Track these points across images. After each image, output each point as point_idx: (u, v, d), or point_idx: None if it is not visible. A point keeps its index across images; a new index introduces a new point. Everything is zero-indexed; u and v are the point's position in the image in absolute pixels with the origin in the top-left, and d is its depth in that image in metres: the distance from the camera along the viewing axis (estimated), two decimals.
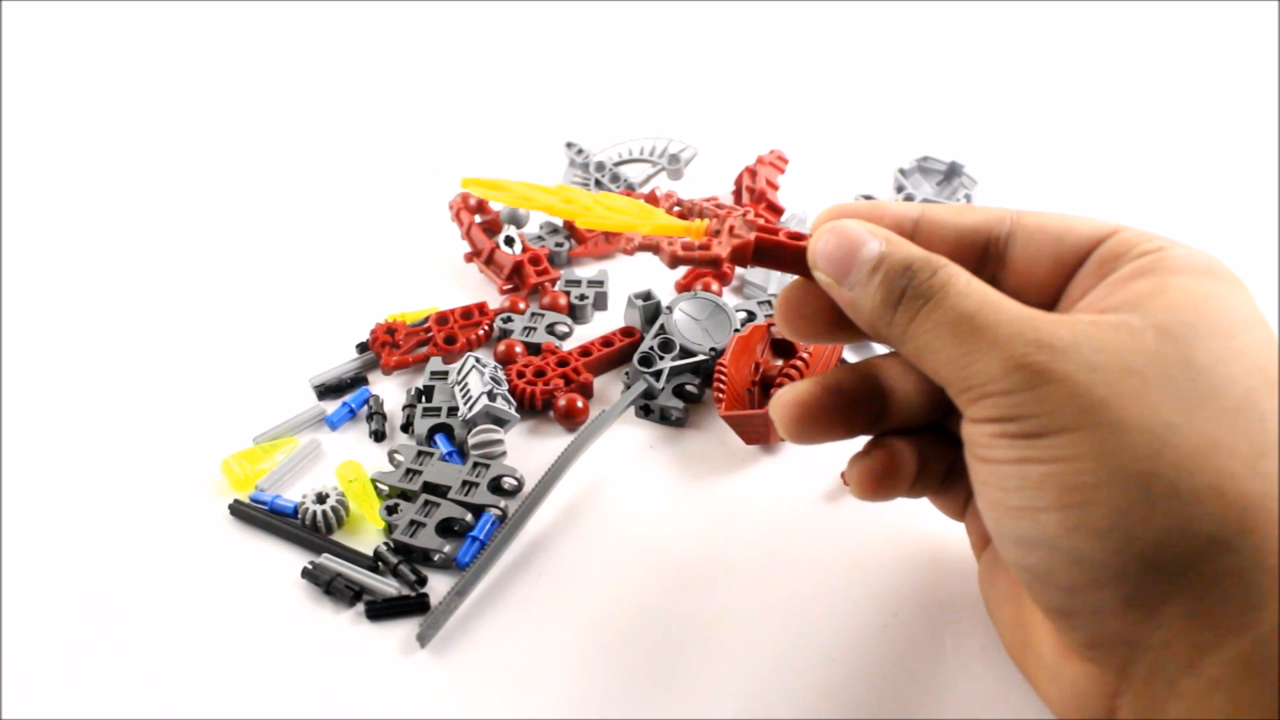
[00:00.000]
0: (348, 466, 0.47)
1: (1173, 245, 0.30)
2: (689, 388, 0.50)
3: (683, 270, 0.58)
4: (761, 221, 0.34)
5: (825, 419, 0.34)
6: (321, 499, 0.45)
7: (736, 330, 0.51)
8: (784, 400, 0.34)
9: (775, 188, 0.63)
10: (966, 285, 0.30)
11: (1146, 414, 0.26)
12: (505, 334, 0.54)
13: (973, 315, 0.29)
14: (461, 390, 0.49)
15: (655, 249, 0.33)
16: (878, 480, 0.35)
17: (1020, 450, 0.28)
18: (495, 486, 0.45)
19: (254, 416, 0.50)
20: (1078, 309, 0.31)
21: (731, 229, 0.33)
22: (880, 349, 0.50)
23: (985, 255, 0.33)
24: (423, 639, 0.40)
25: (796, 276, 0.34)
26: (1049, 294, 0.32)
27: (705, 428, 0.50)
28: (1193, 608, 0.26)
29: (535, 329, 0.54)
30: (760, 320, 0.52)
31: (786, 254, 0.33)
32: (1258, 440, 0.26)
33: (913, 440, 0.35)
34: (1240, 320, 0.28)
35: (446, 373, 0.51)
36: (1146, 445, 0.26)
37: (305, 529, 0.45)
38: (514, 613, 0.41)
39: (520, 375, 0.50)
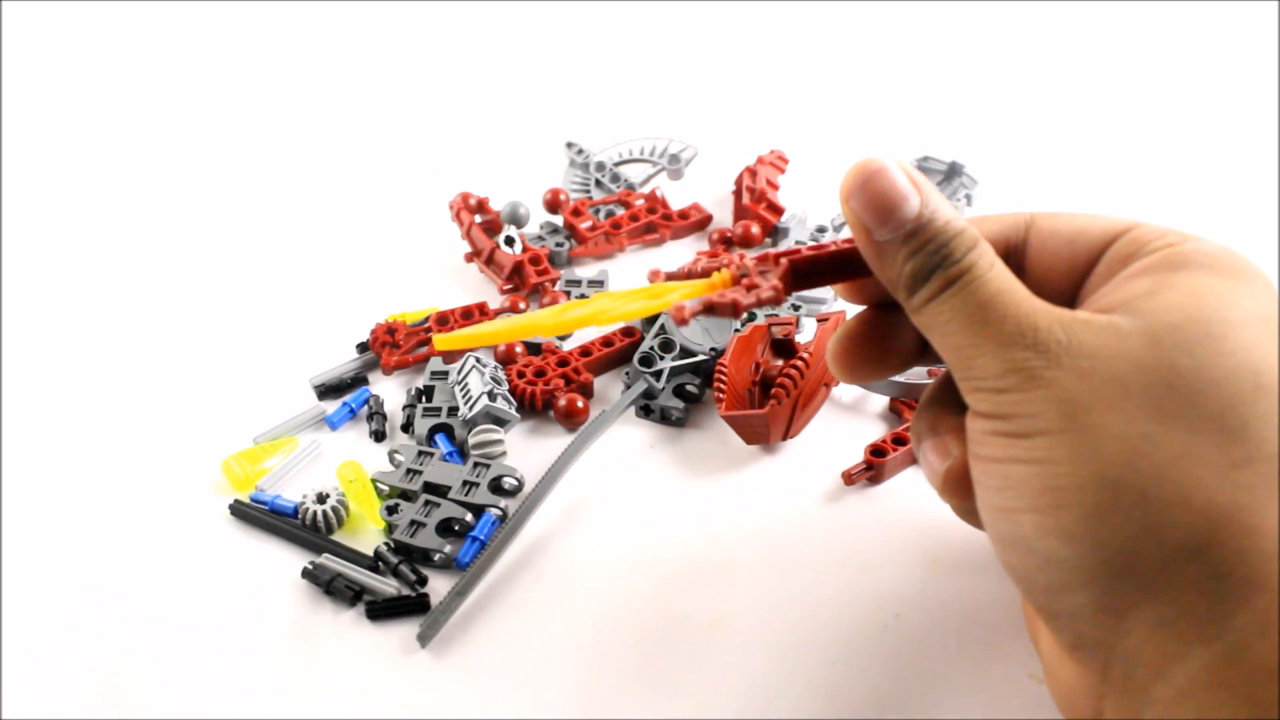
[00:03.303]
0: (348, 466, 0.47)
1: (1184, 240, 0.30)
2: (689, 388, 0.50)
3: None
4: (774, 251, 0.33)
5: (868, 348, 0.34)
6: (322, 499, 0.45)
7: (737, 330, 0.51)
8: (834, 339, 0.35)
9: (775, 188, 0.63)
10: (987, 270, 0.30)
11: (1123, 422, 0.26)
12: None
13: (985, 306, 0.29)
14: (462, 390, 0.49)
15: (710, 306, 0.32)
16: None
17: (1007, 449, 0.28)
18: (495, 486, 0.45)
19: (254, 416, 0.50)
20: (1083, 307, 0.31)
21: (751, 283, 0.32)
22: None
23: (1005, 264, 0.33)
24: (423, 639, 0.40)
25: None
26: (1065, 297, 0.32)
27: (705, 428, 0.50)
28: (1159, 616, 0.26)
29: None
30: (760, 320, 0.52)
31: (826, 265, 0.32)
32: (1234, 450, 0.26)
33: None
34: (1236, 320, 0.27)
35: (447, 373, 0.51)
36: (1120, 453, 0.26)
37: (305, 529, 0.45)
38: (514, 613, 0.41)
39: (520, 375, 0.50)
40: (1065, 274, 0.32)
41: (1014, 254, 0.33)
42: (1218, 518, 0.25)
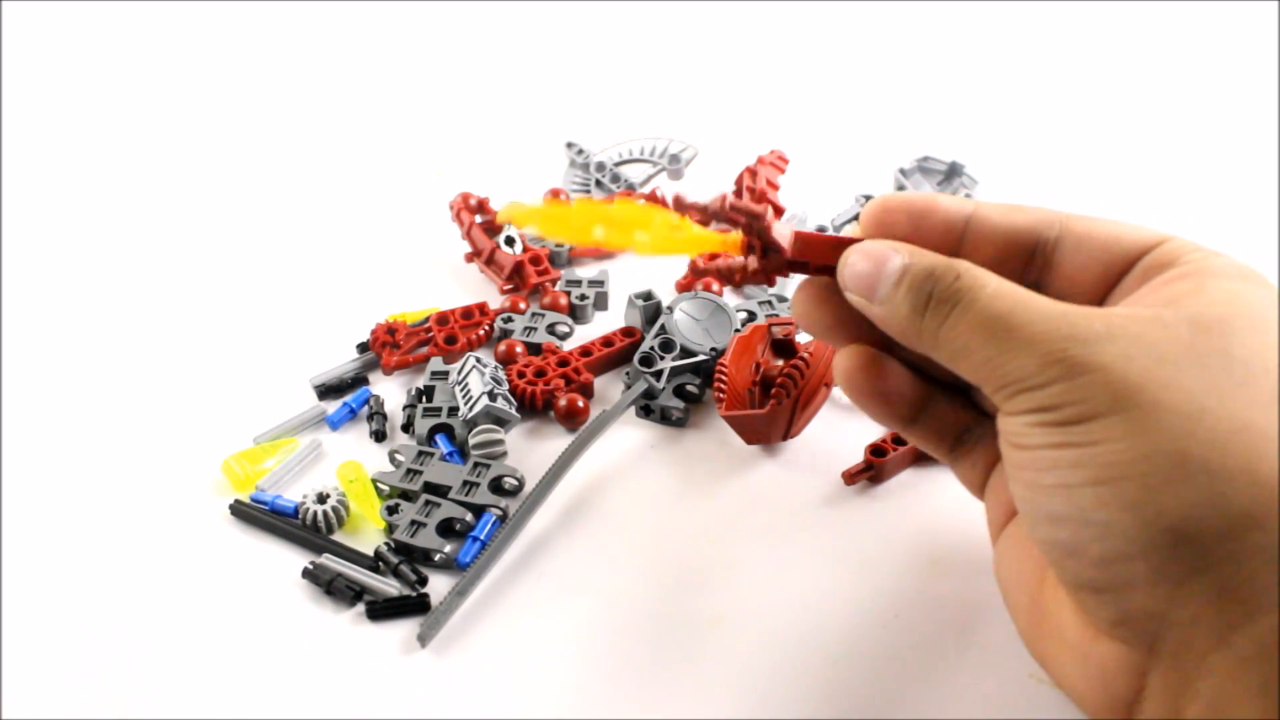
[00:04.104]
0: (348, 466, 0.47)
1: (1216, 256, 0.31)
2: (690, 388, 0.50)
3: (683, 269, 0.58)
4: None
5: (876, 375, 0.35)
6: (322, 499, 0.45)
7: (737, 330, 0.51)
8: (845, 364, 0.36)
9: (775, 188, 0.63)
10: (998, 287, 0.31)
11: (1180, 398, 0.27)
12: (506, 334, 0.54)
13: (1006, 315, 0.30)
14: (462, 390, 0.49)
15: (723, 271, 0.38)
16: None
17: (1057, 436, 0.29)
18: (496, 486, 0.45)
19: (254, 416, 0.50)
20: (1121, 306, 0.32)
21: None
22: None
23: (1033, 259, 0.34)
24: (423, 639, 0.40)
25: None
26: (1093, 300, 0.33)
27: (706, 428, 0.50)
28: (1222, 583, 0.26)
29: (536, 329, 0.54)
30: (761, 320, 0.52)
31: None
32: None
33: (923, 383, 0.36)
34: (1275, 319, 0.29)
35: (447, 373, 0.51)
36: (1180, 426, 0.27)
37: (306, 529, 0.45)
38: (514, 613, 0.41)
39: (521, 375, 0.50)
40: (1097, 279, 0.33)
41: (1044, 251, 0.34)
42: None
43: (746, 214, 0.35)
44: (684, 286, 0.57)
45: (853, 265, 0.34)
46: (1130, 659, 0.29)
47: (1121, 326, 0.29)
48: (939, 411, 0.36)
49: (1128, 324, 0.29)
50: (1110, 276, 0.33)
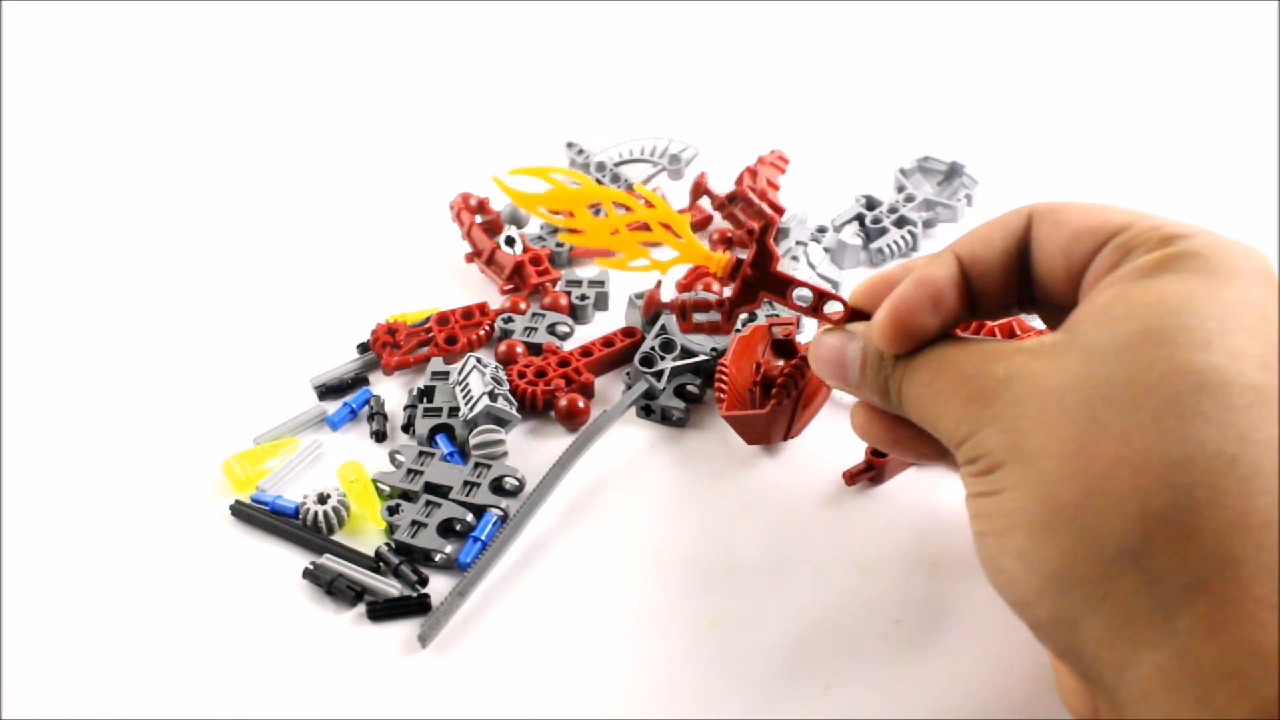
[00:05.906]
0: (349, 467, 0.47)
1: (1179, 237, 0.29)
2: (690, 388, 0.50)
3: (684, 270, 0.58)
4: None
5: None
6: (323, 499, 0.45)
7: (737, 330, 0.51)
8: (860, 420, 0.38)
9: (776, 188, 0.63)
10: (924, 353, 0.32)
11: (1058, 441, 0.27)
12: (506, 334, 0.54)
13: (930, 381, 0.32)
14: (463, 390, 0.49)
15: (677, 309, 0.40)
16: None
17: (978, 485, 0.30)
18: (497, 487, 0.45)
19: (254, 417, 0.50)
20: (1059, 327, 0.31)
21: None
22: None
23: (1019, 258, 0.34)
24: (424, 639, 0.40)
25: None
26: (1069, 292, 0.32)
27: (706, 428, 0.50)
28: (1106, 623, 0.26)
29: (536, 329, 0.54)
30: (760, 320, 0.52)
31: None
32: (1172, 451, 0.25)
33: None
34: (1187, 325, 0.27)
35: (447, 373, 0.51)
36: (1056, 470, 0.27)
37: (306, 529, 0.45)
38: (515, 613, 0.41)
39: (521, 375, 0.50)
40: (1065, 275, 0.32)
41: (1024, 252, 0.33)
42: (1153, 524, 0.25)
43: (759, 212, 0.36)
44: (684, 287, 0.57)
45: (817, 358, 0.36)
46: (1084, 684, 0.30)
47: (1021, 366, 0.29)
48: None
49: (1024, 363, 0.29)
50: (1075, 270, 0.32)
